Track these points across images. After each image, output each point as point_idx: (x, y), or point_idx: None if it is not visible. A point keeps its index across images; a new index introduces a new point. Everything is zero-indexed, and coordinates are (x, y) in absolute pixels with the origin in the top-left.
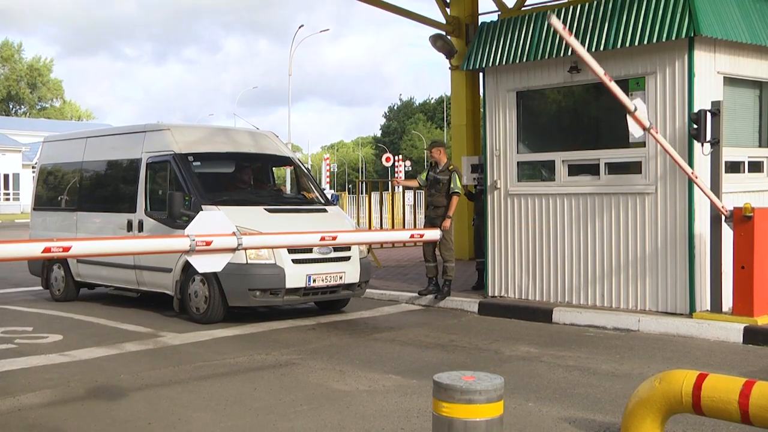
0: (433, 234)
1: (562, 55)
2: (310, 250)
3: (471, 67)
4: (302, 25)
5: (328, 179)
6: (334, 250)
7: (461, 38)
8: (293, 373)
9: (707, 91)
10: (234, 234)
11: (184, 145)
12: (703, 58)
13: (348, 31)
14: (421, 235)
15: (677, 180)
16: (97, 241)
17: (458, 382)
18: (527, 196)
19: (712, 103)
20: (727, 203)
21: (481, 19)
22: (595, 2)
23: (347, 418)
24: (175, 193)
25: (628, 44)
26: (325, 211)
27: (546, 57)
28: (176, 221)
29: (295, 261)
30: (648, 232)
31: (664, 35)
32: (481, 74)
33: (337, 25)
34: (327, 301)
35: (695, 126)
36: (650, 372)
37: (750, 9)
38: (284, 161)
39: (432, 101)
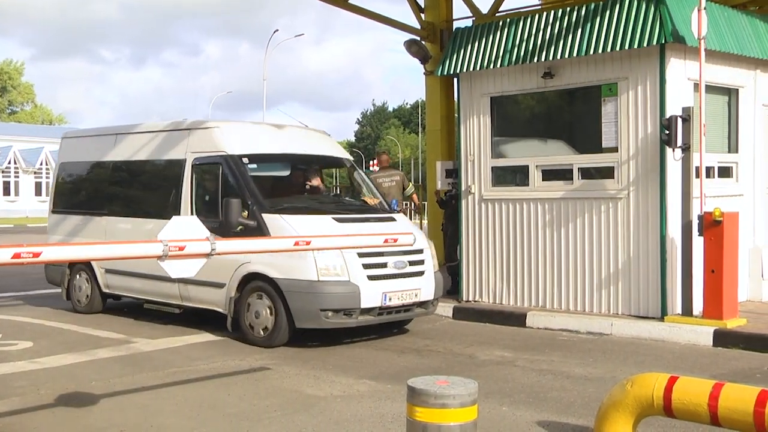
0: (407, 239)
1: (536, 60)
2: (384, 265)
3: (445, 73)
4: (277, 30)
5: None
6: (410, 264)
7: (436, 43)
8: (267, 378)
9: (678, 97)
10: (207, 239)
11: (236, 145)
12: (674, 64)
13: (330, 35)
14: (395, 240)
15: (649, 185)
16: (68, 246)
17: (432, 387)
18: (501, 201)
19: (683, 109)
20: (697, 208)
21: (456, 24)
22: (568, 9)
23: (321, 424)
24: (232, 200)
25: (600, 50)
26: (393, 219)
27: (520, 62)
28: (231, 231)
29: (370, 277)
30: (620, 237)
31: (636, 42)
32: (455, 79)
33: (318, 30)
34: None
35: (667, 132)
36: (623, 375)
37: (718, 18)
38: (340, 163)
39: (407, 106)
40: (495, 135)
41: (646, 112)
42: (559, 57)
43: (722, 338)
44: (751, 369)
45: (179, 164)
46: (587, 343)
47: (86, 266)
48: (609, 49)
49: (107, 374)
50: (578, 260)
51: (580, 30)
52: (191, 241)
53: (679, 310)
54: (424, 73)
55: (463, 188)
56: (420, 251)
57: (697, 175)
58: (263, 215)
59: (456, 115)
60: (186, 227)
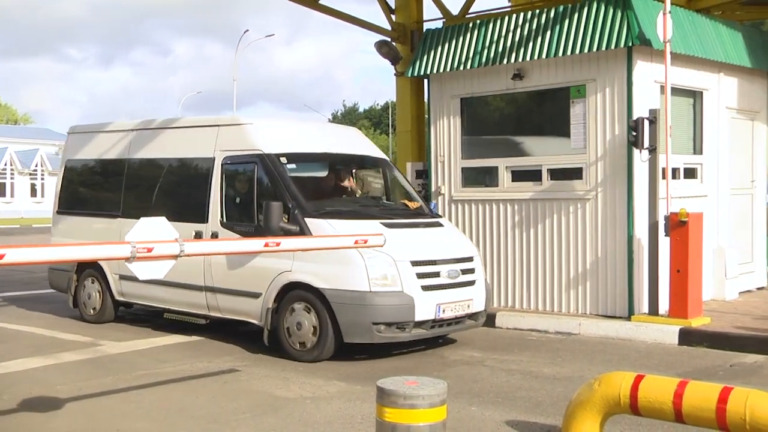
0: (377, 240)
1: (505, 62)
2: (438, 274)
3: (416, 74)
4: (247, 30)
5: None
6: (462, 273)
7: (406, 45)
8: (236, 380)
9: (645, 99)
10: (176, 240)
11: (273, 144)
12: (641, 67)
13: (301, 36)
14: (365, 241)
15: (617, 186)
16: (33, 248)
17: (401, 388)
18: (471, 201)
19: (650, 111)
20: (663, 209)
21: (426, 25)
22: (537, 11)
23: (291, 426)
24: (273, 204)
25: (569, 53)
26: (440, 224)
27: (490, 64)
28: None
29: (424, 288)
30: (589, 237)
31: (604, 44)
32: (426, 80)
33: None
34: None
35: (634, 133)
36: (591, 374)
37: (683, 21)
38: (378, 163)
39: (378, 107)
40: (465, 136)
41: (613, 113)
42: (528, 59)
43: (687, 337)
44: (715, 367)
45: (206, 163)
46: (556, 343)
47: (97, 272)
48: (577, 51)
49: (73, 378)
50: (547, 261)
51: (549, 32)
52: (160, 242)
53: (645, 309)
54: (395, 74)
55: (433, 189)
56: (470, 259)
57: (664, 176)
58: (306, 220)
59: (426, 116)
60: (155, 228)
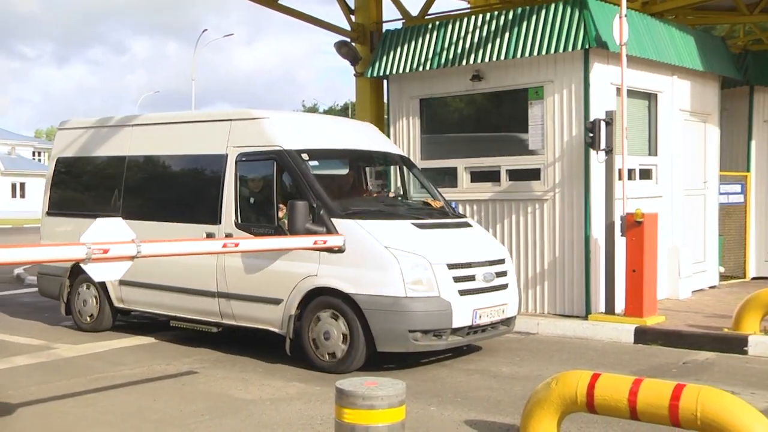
0: (337, 240)
1: (464, 63)
2: (473, 278)
3: (375, 74)
4: (206, 29)
5: None
6: (496, 276)
7: (366, 45)
8: (194, 382)
9: (602, 101)
10: (133, 241)
11: (293, 139)
12: (597, 69)
13: (261, 35)
14: (324, 242)
15: (574, 187)
16: None
17: (360, 389)
18: None
19: (606, 112)
20: (620, 209)
21: (386, 26)
22: (495, 13)
23: (250, 427)
24: (298, 203)
25: (527, 54)
26: (469, 224)
27: (449, 65)
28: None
29: (461, 292)
30: (547, 238)
31: (562, 47)
32: (385, 81)
33: (250, 30)
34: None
35: (591, 135)
36: (548, 373)
37: (639, 25)
38: (398, 160)
39: (338, 108)
40: (424, 136)
41: (571, 115)
42: (487, 60)
43: (642, 335)
44: (669, 364)
45: (218, 160)
46: (514, 343)
47: None
48: (535, 53)
49: (26, 382)
50: None
51: (507, 34)
52: (116, 243)
53: (602, 308)
54: (354, 75)
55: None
56: (503, 261)
57: (620, 177)
58: (333, 220)
59: (386, 116)
60: (111, 229)
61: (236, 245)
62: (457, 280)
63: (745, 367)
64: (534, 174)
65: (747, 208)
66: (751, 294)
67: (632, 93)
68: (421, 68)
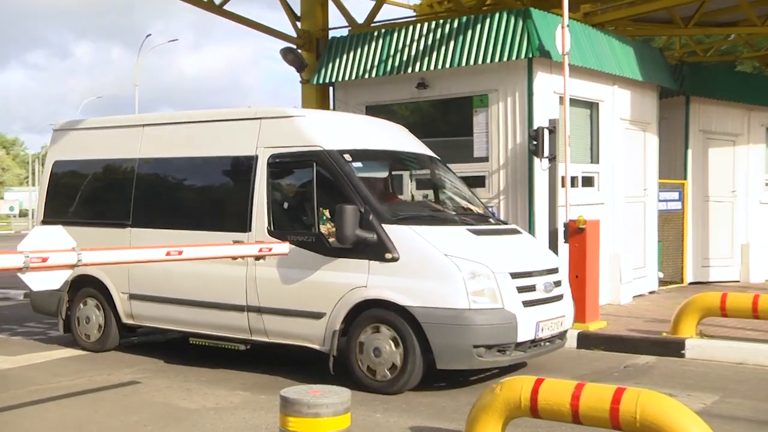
0: (282, 248)
1: (410, 71)
2: (534, 288)
3: (321, 81)
4: (149, 34)
5: None
6: (554, 286)
7: (312, 52)
8: (137, 393)
9: (545, 110)
10: (74, 249)
11: (333, 139)
12: (541, 78)
13: (208, 41)
14: (270, 249)
15: (518, 194)
16: None
17: (305, 397)
18: None
19: (550, 121)
20: (563, 216)
21: (332, 33)
22: (441, 21)
23: None
24: (347, 208)
25: (472, 63)
26: (518, 231)
27: (394, 73)
28: (344, 245)
29: (525, 303)
30: None
31: (506, 56)
32: (331, 88)
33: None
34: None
35: (534, 142)
36: (493, 380)
37: (580, 35)
38: (431, 162)
39: None
40: None
41: (515, 123)
42: (432, 68)
43: (585, 340)
44: (610, 368)
45: (247, 162)
46: None
47: (98, 290)
48: (480, 62)
49: None
50: None
51: (452, 42)
52: (55, 251)
53: None
54: (300, 82)
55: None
56: (557, 270)
57: (563, 185)
58: (384, 226)
59: None
60: (49, 237)
61: (180, 253)
62: (520, 290)
63: (682, 369)
64: (479, 181)
65: (684, 215)
66: (687, 299)
67: (574, 102)
68: (366, 75)
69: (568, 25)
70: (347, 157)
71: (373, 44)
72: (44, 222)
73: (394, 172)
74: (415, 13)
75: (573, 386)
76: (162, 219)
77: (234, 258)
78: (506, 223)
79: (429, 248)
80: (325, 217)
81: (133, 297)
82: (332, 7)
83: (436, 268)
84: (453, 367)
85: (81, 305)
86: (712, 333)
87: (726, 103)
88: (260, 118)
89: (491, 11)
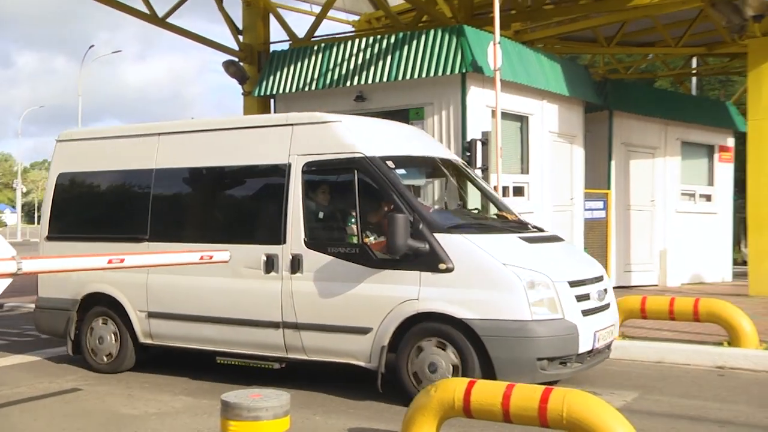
0: (223, 255)
1: (348, 84)
2: (588, 297)
3: (262, 94)
4: (93, 45)
5: None
6: (604, 294)
7: (254, 65)
8: (79, 400)
9: (478, 122)
10: (13, 258)
11: (374, 145)
12: (474, 92)
13: (153, 52)
14: (210, 257)
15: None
16: None
17: (245, 401)
18: None
19: (482, 133)
20: None
21: (273, 47)
22: (378, 36)
23: None
24: (399, 217)
25: (408, 77)
26: (561, 239)
27: (334, 86)
28: (394, 255)
29: (584, 312)
30: None
31: (440, 71)
32: (272, 100)
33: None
34: None
35: (468, 154)
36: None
37: (511, 52)
38: (463, 169)
39: None
40: None
41: (449, 135)
42: (370, 82)
43: None
44: None
45: (279, 170)
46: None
47: (112, 309)
48: (416, 76)
49: None
50: None
51: (389, 57)
52: None
53: None
54: (243, 94)
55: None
56: (602, 277)
57: None
58: (436, 235)
59: None
60: None
61: (121, 261)
62: (578, 299)
63: (606, 369)
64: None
65: (608, 223)
66: None
67: (506, 115)
68: (307, 88)
69: (499, 43)
70: (390, 163)
71: (313, 58)
72: (49, 238)
73: (429, 179)
74: (353, 29)
75: (504, 387)
76: (183, 232)
77: (173, 266)
78: (544, 230)
79: (486, 258)
80: (369, 227)
81: (152, 315)
82: (273, 22)
83: (494, 279)
84: (516, 381)
85: (92, 325)
86: (633, 334)
87: (645, 118)
88: (292, 124)
89: (427, 28)
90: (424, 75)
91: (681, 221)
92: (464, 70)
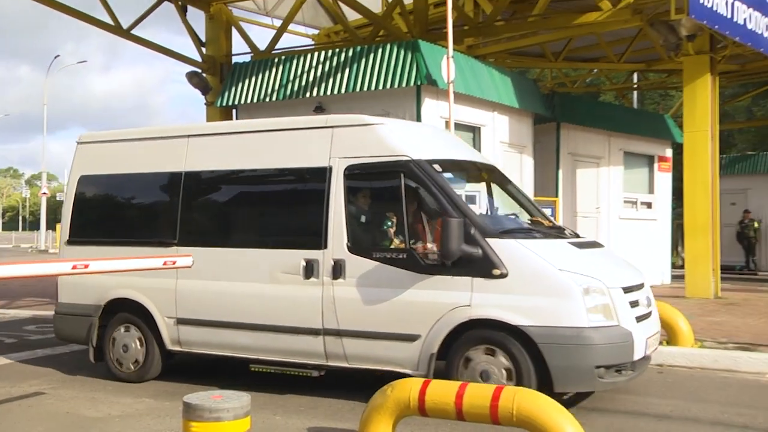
0: (186, 261)
1: (308, 95)
2: (638, 303)
3: (225, 104)
4: (58, 55)
5: None
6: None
7: (216, 76)
8: (42, 403)
9: None
10: None
11: (420, 148)
12: (428, 104)
13: (118, 62)
14: (174, 262)
15: None
16: None
17: (206, 402)
18: None
19: None
20: None
21: (235, 59)
22: (337, 50)
23: None
24: (452, 221)
25: (366, 89)
26: (602, 245)
27: (294, 97)
28: (447, 261)
29: (638, 319)
30: None
31: (396, 83)
32: (234, 111)
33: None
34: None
35: None
36: (386, 381)
37: (464, 66)
38: (501, 174)
39: None
40: None
41: None
42: (329, 93)
43: None
44: None
45: (319, 174)
46: None
47: (137, 315)
48: (373, 88)
49: None
50: None
51: (347, 70)
52: None
53: None
54: (205, 104)
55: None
56: (644, 284)
57: None
58: (488, 240)
59: None
60: None
61: (86, 266)
62: (632, 305)
63: None
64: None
65: None
66: None
67: (459, 126)
68: (267, 99)
69: (452, 57)
70: (437, 167)
71: (274, 70)
72: (70, 242)
73: (472, 184)
74: (313, 42)
75: (457, 386)
76: (216, 237)
77: (138, 271)
78: (581, 236)
79: (541, 263)
80: (416, 232)
81: (181, 321)
82: (236, 34)
83: (550, 285)
84: (573, 390)
85: (116, 331)
86: None
87: (590, 130)
88: (332, 127)
89: (383, 42)
90: (381, 87)
91: (624, 227)
92: (419, 83)
